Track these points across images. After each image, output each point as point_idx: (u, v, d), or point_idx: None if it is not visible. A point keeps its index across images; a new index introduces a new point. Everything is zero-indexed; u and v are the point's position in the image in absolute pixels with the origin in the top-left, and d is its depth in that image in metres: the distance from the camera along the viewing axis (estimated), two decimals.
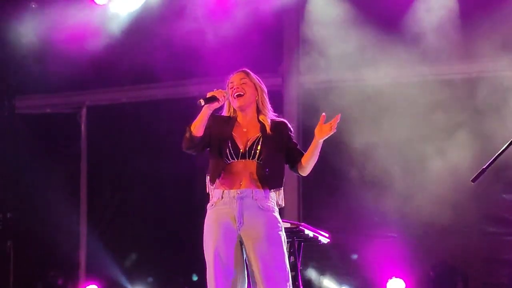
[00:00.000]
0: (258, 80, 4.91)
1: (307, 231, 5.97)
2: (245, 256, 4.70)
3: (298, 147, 4.87)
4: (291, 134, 4.88)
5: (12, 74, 9.49)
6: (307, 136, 8.52)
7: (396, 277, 8.05)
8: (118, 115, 9.56)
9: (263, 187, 4.69)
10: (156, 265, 9.20)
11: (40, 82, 9.42)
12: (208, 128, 4.78)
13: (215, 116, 4.88)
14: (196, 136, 4.73)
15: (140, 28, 9.12)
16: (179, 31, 8.81)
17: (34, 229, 9.24)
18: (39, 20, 9.17)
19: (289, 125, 4.89)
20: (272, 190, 4.72)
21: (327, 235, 6.26)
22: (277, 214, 4.74)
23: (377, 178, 8.32)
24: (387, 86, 8.34)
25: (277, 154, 4.75)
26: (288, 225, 5.87)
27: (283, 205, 4.81)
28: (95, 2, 9.00)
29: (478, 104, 7.97)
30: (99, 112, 9.66)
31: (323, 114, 4.67)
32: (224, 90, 4.81)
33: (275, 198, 4.76)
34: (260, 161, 4.69)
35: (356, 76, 8.46)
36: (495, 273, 7.99)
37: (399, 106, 8.20)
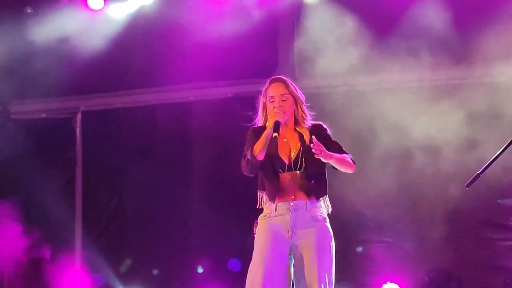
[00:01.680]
0: (296, 90, 4.94)
1: None
2: (291, 264, 4.81)
3: (336, 145, 4.90)
4: (328, 134, 4.92)
5: (7, 79, 9.46)
6: None
7: (391, 282, 8.05)
8: (113, 120, 9.54)
9: (312, 198, 4.78)
10: (152, 270, 9.19)
11: (35, 87, 9.41)
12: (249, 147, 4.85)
13: (255, 131, 4.92)
14: (260, 160, 4.77)
15: (134, 33, 9.12)
16: (174, 36, 8.82)
17: (28, 232, 9.22)
18: (34, 24, 9.17)
19: (324, 125, 4.96)
20: (319, 199, 4.81)
21: None
22: (328, 224, 4.86)
23: (371, 183, 8.32)
24: (382, 91, 8.34)
25: (318, 161, 4.76)
26: None
27: (331, 210, 4.91)
28: (90, 7, 8.99)
29: (474, 110, 7.96)
30: (94, 117, 9.64)
31: (313, 138, 4.68)
32: (278, 110, 4.81)
33: (325, 207, 4.86)
34: (304, 172, 4.77)
35: (351, 81, 8.46)
36: (490, 279, 7.99)
37: (394, 112, 8.20)
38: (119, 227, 9.41)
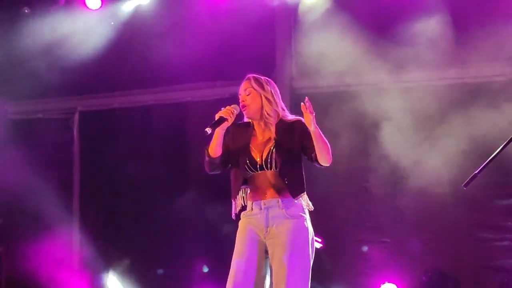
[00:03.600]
0: (262, 85, 4.89)
1: None
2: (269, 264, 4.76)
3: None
4: (307, 132, 4.75)
5: (4, 79, 9.46)
6: None
7: (388, 282, 8.05)
8: (111, 121, 9.55)
9: (287, 196, 4.72)
10: (149, 270, 9.19)
11: (32, 87, 9.40)
12: (226, 142, 4.83)
13: (235, 126, 4.90)
14: (216, 157, 4.78)
15: (131, 34, 9.12)
16: (171, 36, 8.81)
17: (26, 234, 9.22)
18: (32, 25, 9.16)
19: (303, 120, 4.80)
20: (296, 197, 4.74)
21: (319, 240, 6.26)
22: (305, 222, 4.77)
23: (370, 184, 8.33)
24: (380, 91, 8.35)
25: (293, 159, 4.75)
26: None
27: (312, 208, 4.85)
28: (87, 7, 8.99)
29: (472, 109, 7.97)
30: (92, 117, 9.65)
31: (302, 104, 4.59)
32: (232, 106, 4.81)
33: (304, 204, 4.79)
34: (277, 170, 4.72)
35: (349, 81, 8.46)
36: (486, 279, 8.00)
37: (392, 111, 8.21)
38: (116, 226, 9.41)
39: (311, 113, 4.56)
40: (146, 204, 9.19)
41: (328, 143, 4.69)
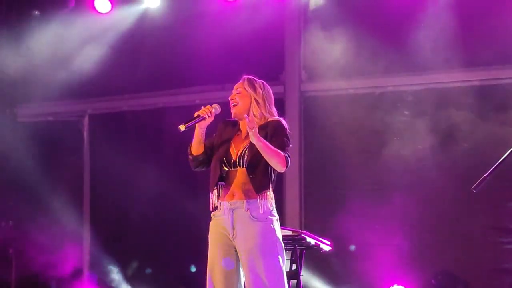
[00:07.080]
0: (254, 88, 4.89)
1: (308, 239, 5.97)
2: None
3: (277, 143, 4.67)
4: (278, 130, 4.74)
5: (14, 82, 9.49)
6: (308, 143, 8.59)
7: (398, 285, 8.04)
8: (120, 123, 9.57)
9: (253, 196, 4.66)
10: (159, 273, 9.20)
11: (42, 90, 9.43)
12: (212, 139, 4.86)
13: (225, 122, 4.93)
14: (197, 155, 4.83)
15: (141, 37, 9.14)
16: (180, 39, 8.84)
17: (36, 236, 9.24)
18: (42, 28, 9.20)
19: (281, 122, 4.80)
20: (258, 196, 4.66)
21: (328, 242, 6.26)
22: (272, 224, 4.67)
23: (378, 186, 8.32)
24: (388, 94, 8.35)
25: (259, 158, 4.65)
26: (290, 233, 5.88)
27: (273, 207, 4.72)
28: (97, 11, 9.02)
29: (480, 112, 7.97)
30: (101, 120, 9.67)
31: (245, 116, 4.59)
32: (211, 105, 4.82)
33: (269, 205, 4.68)
34: (245, 168, 4.69)
35: (358, 84, 8.47)
36: (496, 282, 7.98)
37: (400, 114, 8.21)
38: (126, 229, 9.42)
39: (250, 128, 4.52)
40: (157, 207, 9.20)
41: (277, 153, 4.60)
